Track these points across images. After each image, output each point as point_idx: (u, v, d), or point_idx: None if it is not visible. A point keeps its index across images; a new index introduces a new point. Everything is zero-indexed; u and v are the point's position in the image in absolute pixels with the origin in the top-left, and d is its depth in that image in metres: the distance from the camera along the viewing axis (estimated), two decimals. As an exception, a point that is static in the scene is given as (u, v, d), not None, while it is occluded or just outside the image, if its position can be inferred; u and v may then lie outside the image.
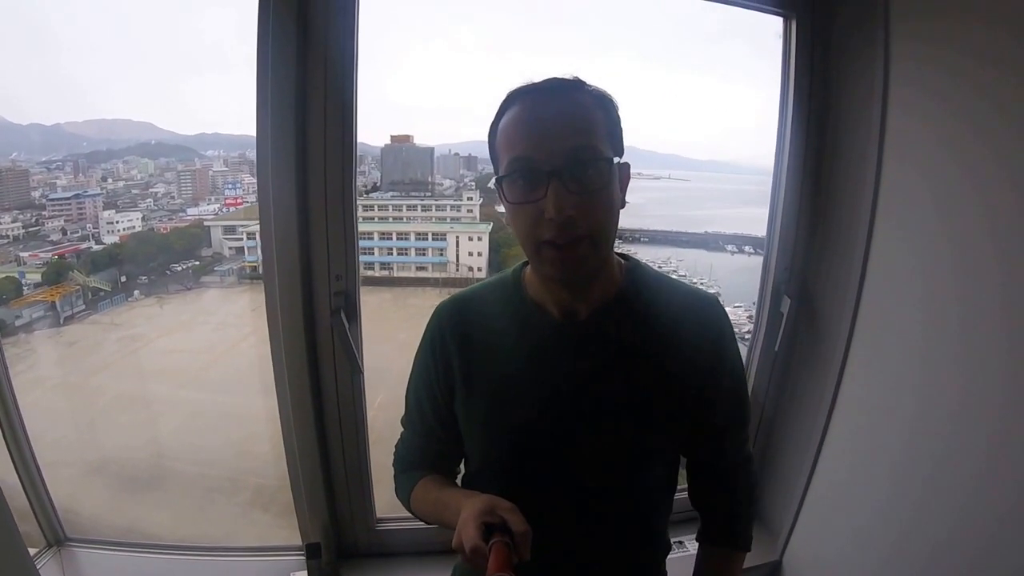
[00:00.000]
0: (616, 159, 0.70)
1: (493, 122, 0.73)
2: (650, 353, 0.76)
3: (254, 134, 1.17)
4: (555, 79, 0.70)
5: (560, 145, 0.66)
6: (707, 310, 0.79)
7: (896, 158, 1.17)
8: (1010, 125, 0.92)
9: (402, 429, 0.91)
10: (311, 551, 1.39)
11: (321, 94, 1.17)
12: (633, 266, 0.80)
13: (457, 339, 0.79)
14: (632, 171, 0.75)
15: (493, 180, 0.74)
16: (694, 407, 0.78)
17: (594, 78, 0.72)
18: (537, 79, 0.71)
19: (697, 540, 0.92)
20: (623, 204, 0.72)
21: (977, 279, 0.99)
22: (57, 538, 1.49)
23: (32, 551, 1.43)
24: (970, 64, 0.99)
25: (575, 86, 0.70)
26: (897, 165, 1.16)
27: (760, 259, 1.53)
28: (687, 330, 0.77)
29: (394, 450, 0.93)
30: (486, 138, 0.75)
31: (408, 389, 0.87)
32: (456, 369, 0.79)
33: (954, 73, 1.03)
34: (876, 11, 1.16)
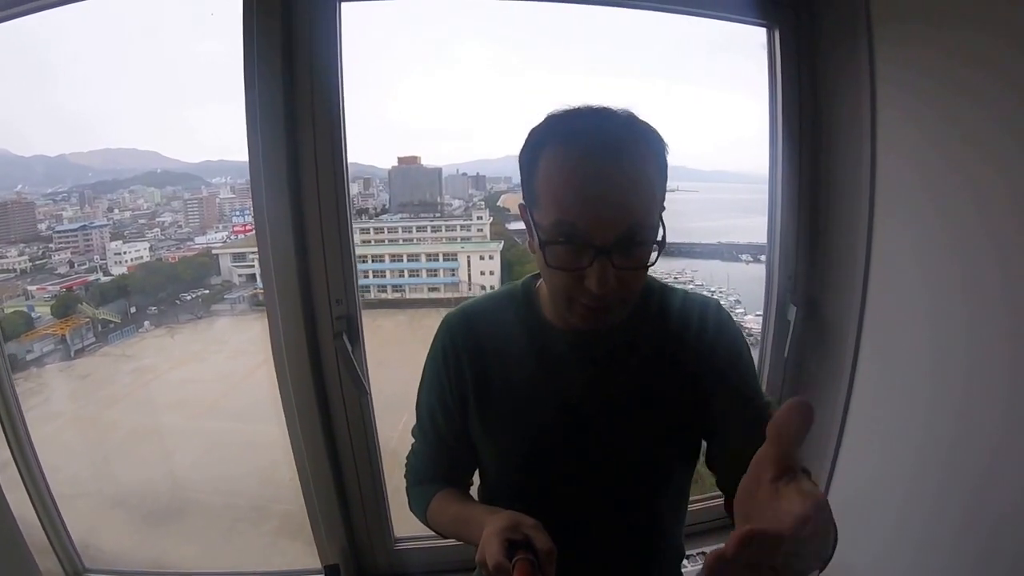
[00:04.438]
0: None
1: (532, 144, 0.66)
2: (664, 363, 0.76)
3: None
4: (606, 116, 0.63)
5: (615, 221, 0.61)
6: (709, 313, 0.79)
7: (890, 160, 1.18)
8: (997, 121, 0.93)
9: (413, 441, 0.91)
10: (330, 573, 1.40)
11: (309, 119, 1.18)
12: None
13: (469, 351, 0.79)
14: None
15: (531, 241, 0.69)
16: (713, 406, 0.76)
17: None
18: (583, 106, 0.64)
19: None
20: None
21: (977, 274, 1.00)
22: (76, 569, 1.50)
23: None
24: (953, 64, 1.01)
25: (631, 134, 0.63)
26: (891, 166, 1.18)
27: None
28: (697, 335, 0.77)
29: (405, 462, 0.93)
30: (517, 157, 0.69)
31: (419, 401, 0.87)
32: (469, 381, 0.78)
33: (939, 74, 1.04)
34: (858, 17, 1.18)
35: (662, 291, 0.81)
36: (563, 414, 0.75)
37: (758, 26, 1.40)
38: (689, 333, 0.77)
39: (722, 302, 0.85)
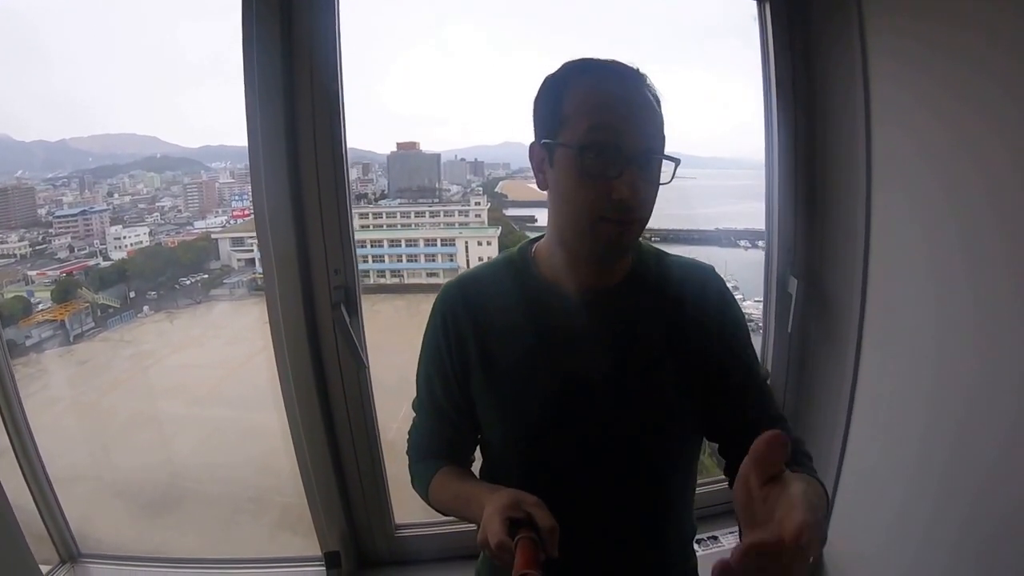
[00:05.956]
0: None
1: (553, 83, 0.71)
2: (665, 325, 0.76)
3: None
4: (622, 64, 0.70)
5: (645, 131, 0.67)
6: (708, 279, 0.81)
7: (886, 129, 1.17)
8: (993, 85, 0.92)
9: (414, 415, 0.89)
10: (330, 560, 1.39)
11: (308, 91, 1.18)
12: (637, 244, 0.81)
13: (470, 320, 0.77)
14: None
15: (542, 178, 0.73)
16: (710, 372, 0.77)
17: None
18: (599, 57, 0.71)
19: None
20: None
21: (980, 241, 0.98)
22: (71, 554, 1.49)
23: (46, 568, 1.43)
24: (945, 30, 1.00)
25: (643, 79, 0.70)
26: (887, 136, 1.17)
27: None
28: (695, 298, 0.78)
29: (407, 438, 0.91)
30: (533, 96, 0.73)
31: (418, 373, 0.85)
32: (472, 350, 0.77)
33: (931, 41, 1.04)
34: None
35: (658, 255, 0.82)
36: (570, 376, 0.74)
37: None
38: (691, 298, 0.78)
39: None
